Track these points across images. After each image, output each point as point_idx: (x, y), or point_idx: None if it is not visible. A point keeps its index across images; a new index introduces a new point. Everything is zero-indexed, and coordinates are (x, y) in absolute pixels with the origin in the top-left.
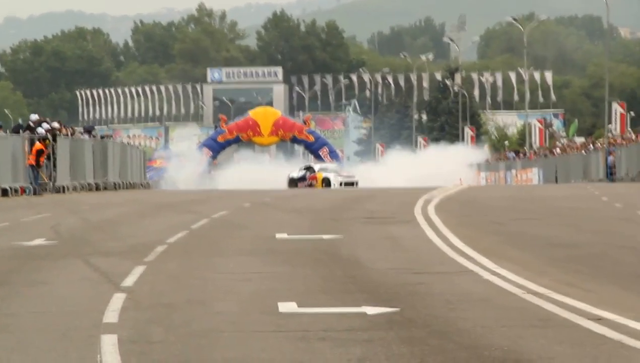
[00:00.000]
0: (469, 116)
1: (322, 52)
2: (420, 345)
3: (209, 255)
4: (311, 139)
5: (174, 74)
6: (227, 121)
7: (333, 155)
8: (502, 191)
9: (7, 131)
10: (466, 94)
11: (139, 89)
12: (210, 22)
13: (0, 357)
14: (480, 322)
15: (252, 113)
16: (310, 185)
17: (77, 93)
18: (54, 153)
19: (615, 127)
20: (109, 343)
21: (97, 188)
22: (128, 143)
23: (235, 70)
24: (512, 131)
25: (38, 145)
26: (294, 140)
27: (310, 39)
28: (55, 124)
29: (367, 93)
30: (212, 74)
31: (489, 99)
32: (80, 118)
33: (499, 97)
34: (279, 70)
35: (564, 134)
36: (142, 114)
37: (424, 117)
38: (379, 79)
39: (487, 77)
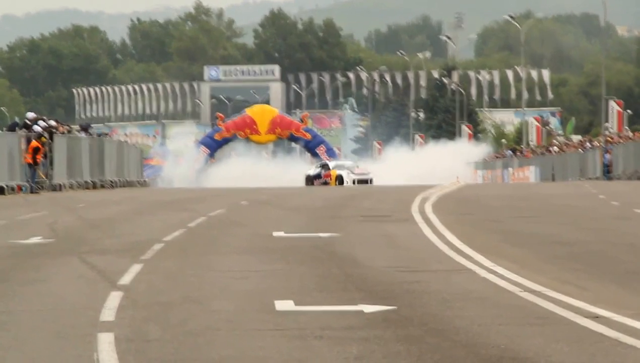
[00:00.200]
0: (466, 114)
1: (319, 50)
2: (417, 343)
3: (205, 253)
4: (308, 137)
5: (171, 72)
6: (224, 119)
7: (330, 153)
8: (499, 189)
9: (3, 129)
10: (463, 92)
11: (136, 87)
12: (208, 20)
13: None
14: (477, 320)
15: (249, 111)
16: (325, 183)
17: (74, 91)
18: (50, 151)
19: (612, 125)
20: (106, 342)
21: (94, 187)
22: (125, 141)
23: (233, 68)
24: (510, 129)
25: (34, 143)
26: (291, 138)
27: (308, 37)
28: (52, 122)
29: (365, 91)
30: (210, 72)
31: (486, 97)
32: (77, 116)
33: (496, 95)
34: (276, 68)
35: (561, 132)
36: (139, 111)
37: (421, 115)
38: (376, 77)
39: (484, 75)
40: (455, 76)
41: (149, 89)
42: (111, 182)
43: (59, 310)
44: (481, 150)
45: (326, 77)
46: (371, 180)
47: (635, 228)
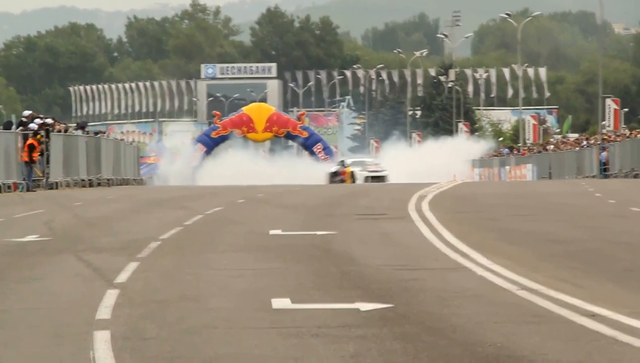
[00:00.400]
0: (463, 112)
1: (316, 48)
2: (413, 341)
3: (202, 252)
4: (305, 135)
5: (168, 69)
6: (221, 117)
7: (327, 151)
8: (496, 187)
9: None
10: (460, 90)
11: (133, 85)
12: (204, 18)
13: None
14: (473, 318)
15: (246, 109)
16: (342, 181)
17: (71, 89)
18: (47, 149)
19: (609, 123)
20: (102, 340)
21: (91, 185)
22: (122, 139)
23: (229, 66)
24: (507, 127)
25: (30, 140)
26: (288, 136)
27: (305, 35)
28: (49, 120)
29: (361, 89)
30: (206, 69)
31: (482, 95)
32: (73, 114)
33: (493, 93)
34: (273, 66)
35: (557, 130)
36: (136, 109)
37: (418, 113)
38: (373, 75)
39: (481, 74)
40: (452, 74)
41: (145, 87)
42: (108, 180)
43: (55, 308)
44: (480, 146)
45: (323, 75)
46: (385, 177)
47: (632, 226)
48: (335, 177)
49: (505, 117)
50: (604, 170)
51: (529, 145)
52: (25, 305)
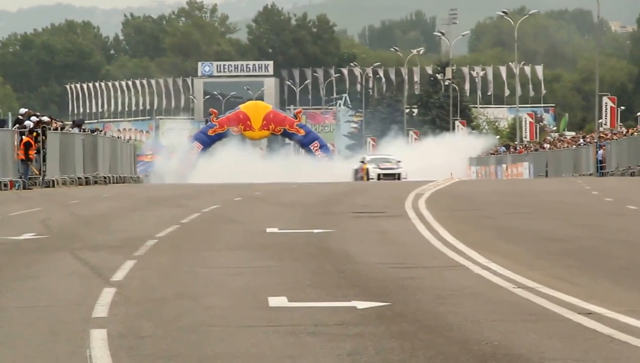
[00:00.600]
0: (460, 110)
1: (313, 46)
2: (410, 339)
3: (199, 250)
4: (302, 133)
5: (165, 67)
6: (217, 115)
7: (324, 149)
8: (493, 185)
9: None
10: (457, 88)
11: (130, 83)
12: (201, 16)
13: None
14: (470, 316)
15: (242, 107)
16: (362, 178)
17: (67, 87)
18: (43, 147)
19: (605, 121)
20: (99, 338)
21: (87, 183)
22: (118, 137)
23: (226, 64)
24: (503, 125)
25: (25, 138)
26: (285, 134)
27: (301, 33)
28: (46, 118)
29: (358, 87)
30: (203, 67)
31: (479, 93)
32: (70, 112)
33: (490, 91)
34: (270, 64)
35: (554, 128)
36: (133, 107)
37: (415, 111)
38: (370, 73)
39: (477, 72)
40: (448, 72)
41: (142, 85)
42: (104, 178)
43: (51, 306)
44: (481, 142)
45: (320, 73)
46: (399, 175)
47: (629, 224)
48: (357, 174)
49: (502, 115)
50: (601, 168)
51: (525, 143)
52: (22, 304)
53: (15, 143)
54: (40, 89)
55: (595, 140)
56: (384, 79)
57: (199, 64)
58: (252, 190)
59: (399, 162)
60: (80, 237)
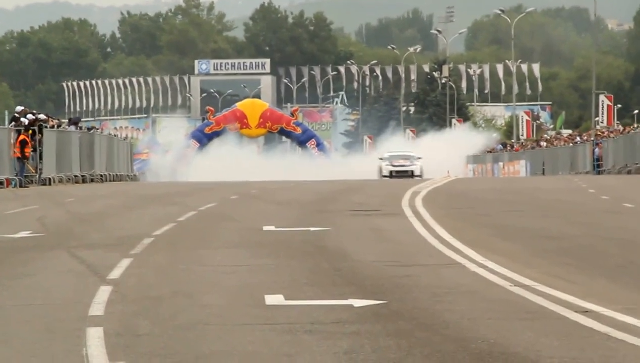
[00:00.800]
0: (457, 108)
1: (310, 43)
2: (406, 337)
3: (196, 248)
4: (299, 130)
5: (161, 65)
6: (214, 113)
7: (321, 147)
8: (490, 183)
9: None
10: (454, 86)
11: (126, 81)
12: (198, 14)
13: None
14: (467, 314)
15: (239, 105)
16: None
17: (64, 84)
18: (40, 145)
19: (602, 119)
20: (95, 336)
21: (84, 181)
22: (115, 135)
23: (223, 61)
24: (500, 123)
25: (21, 136)
26: (282, 132)
27: (298, 31)
28: (42, 116)
29: (355, 85)
30: (200, 65)
31: (476, 91)
32: (67, 110)
33: (487, 89)
34: (267, 62)
35: (551, 126)
36: (129, 105)
37: (412, 109)
38: (367, 71)
39: (474, 69)
40: (445, 70)
41: (139, 83)
42: (101, 176)
43: (47, 304)
44: (480, 139)
45: (317, 71)
46: (413, 172)
47: (625, 222)
48: (380, 171)
49: (499, 113)
50: (597, 166)
51: (522, 141)
52: (18, 302)
53: (12, 141)
54: (37, 87)
55: (592, 138)
56: (380, 77)
57: (196, 61)
58: (249, 188)
59: (419, 158)
60: (77, 235)
